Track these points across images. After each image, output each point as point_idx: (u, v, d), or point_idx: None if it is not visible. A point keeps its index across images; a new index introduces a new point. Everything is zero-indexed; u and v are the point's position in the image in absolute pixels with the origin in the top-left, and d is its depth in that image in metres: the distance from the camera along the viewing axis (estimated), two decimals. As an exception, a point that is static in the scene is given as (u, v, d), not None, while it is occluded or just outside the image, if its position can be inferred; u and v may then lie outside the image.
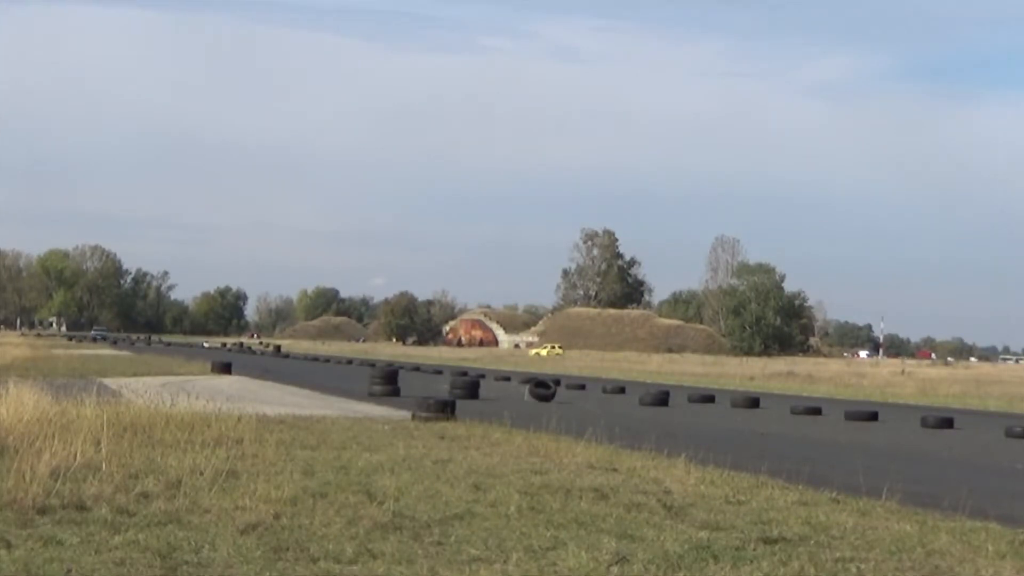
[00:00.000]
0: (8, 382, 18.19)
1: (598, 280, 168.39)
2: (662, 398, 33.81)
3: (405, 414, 22.08)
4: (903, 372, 74.81)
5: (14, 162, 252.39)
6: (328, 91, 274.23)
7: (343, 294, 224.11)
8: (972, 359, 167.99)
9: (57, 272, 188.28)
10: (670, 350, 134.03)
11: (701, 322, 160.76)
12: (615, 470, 13.91)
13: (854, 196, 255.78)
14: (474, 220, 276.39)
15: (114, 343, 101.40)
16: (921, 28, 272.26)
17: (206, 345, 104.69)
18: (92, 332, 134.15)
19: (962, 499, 11.80)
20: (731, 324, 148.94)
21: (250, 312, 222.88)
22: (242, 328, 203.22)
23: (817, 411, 31.48)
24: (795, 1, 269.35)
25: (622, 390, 41.35)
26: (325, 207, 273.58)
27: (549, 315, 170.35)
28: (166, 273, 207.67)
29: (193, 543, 8.65)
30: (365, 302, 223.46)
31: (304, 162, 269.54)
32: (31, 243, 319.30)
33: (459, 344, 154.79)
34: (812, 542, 9.59)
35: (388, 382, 32.21)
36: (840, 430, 25.75)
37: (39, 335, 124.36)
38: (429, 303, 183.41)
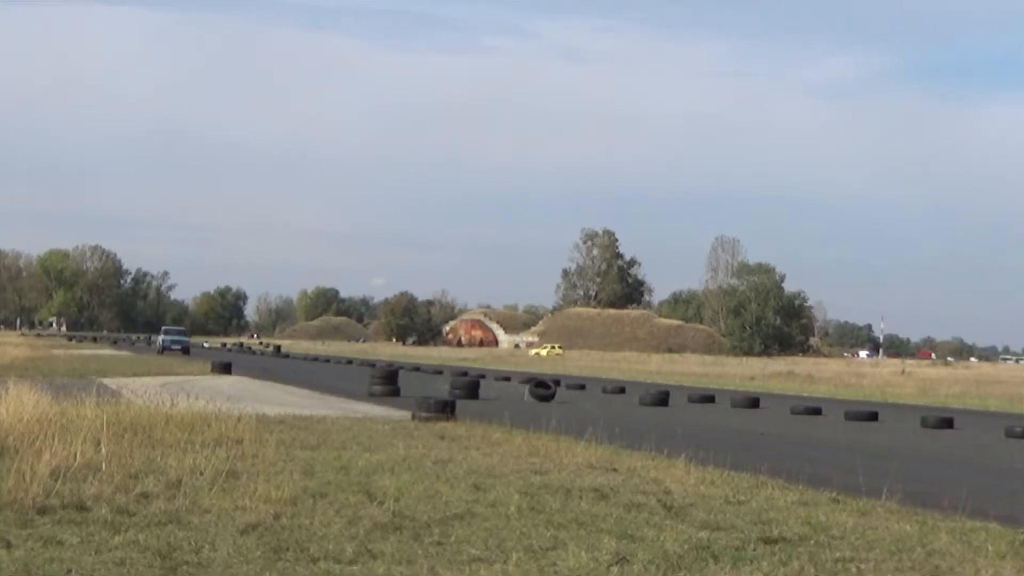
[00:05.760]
0: (8, 382, 18.19)
1: (598, 280, 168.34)
2: (662, 398, 33.80)
3: (405, 414, 22.08)
4: (903, 372, 74.82)
5: (14, 162, 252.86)
6: (329, 91, 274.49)
7: (343, 294, 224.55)
8: (972, 359, 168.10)
9: (57, 272, 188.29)
10: (670, 350, 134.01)
11: (701, 322, 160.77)
12: (615, 470, 13.91)
13: (854, 196, 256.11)
14: (474, 220, 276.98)
15: (114, 343, 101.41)
16: (922, 28, 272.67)
17: (206, 345, 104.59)
18: (163, 338, 78.44)
19: (962, 499, 11.79)
20: (731, 324, 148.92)
21: (250, 312, 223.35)
22: (242, 328, 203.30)
23: (817, 411, 31.48)
24: (796, 1, 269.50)
25: (622, 390, 41.34)
26: (325, 207, 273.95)
27: (549, 315, 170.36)
28: (166, 273, 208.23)
29: (193, 543, 8.64)
30: (365, 302, 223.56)
31: (304, 162, 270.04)
32: (31, 243, 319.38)
33: (459, 344, 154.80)
34: (812, 542, 9.59)
35: (388, 382, 32.20)
36: (840, 430, 25.74)
37: (39, 335, 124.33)
38: (429, 303, 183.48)
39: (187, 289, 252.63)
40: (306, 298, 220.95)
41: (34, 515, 9.48)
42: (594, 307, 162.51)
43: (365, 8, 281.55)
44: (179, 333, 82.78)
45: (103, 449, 12.53)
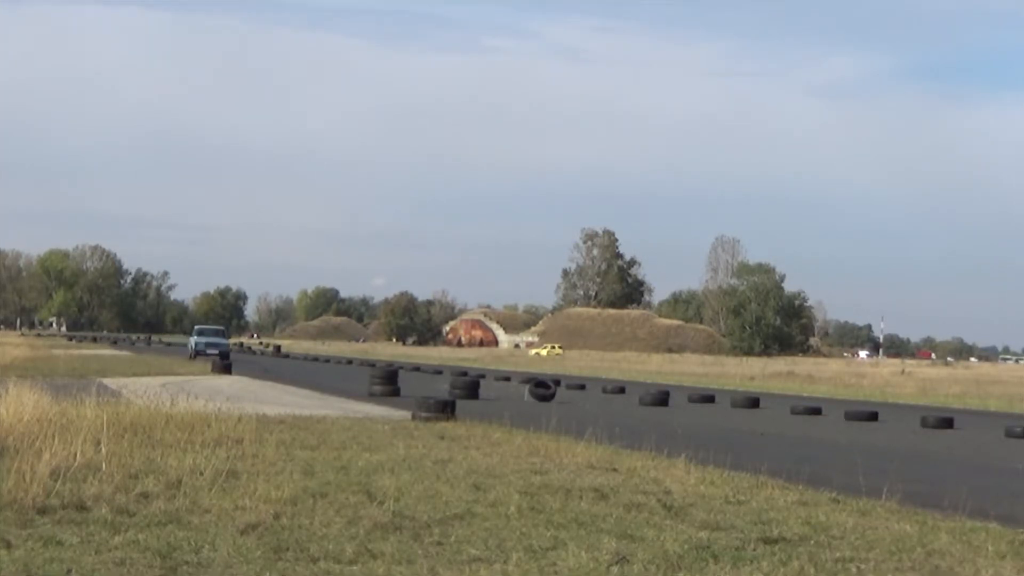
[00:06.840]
0: (8, 382, 18.19)
1: (598, 280, 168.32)
2: (662, 398, 33.80)
3: (405, 414, 22.07)
4: (903, 372, 74.82)
5: (15, 162, 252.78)
6: (329, 91, 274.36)
7: (343, 294, 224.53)
8: (972, 359, 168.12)
9: (57, 272, 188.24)
10: (670, 350, 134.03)
11: (701, 322, 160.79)
12: (615, 470, 13.91)
13: (854, 196, 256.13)
14: (474, 220, 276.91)
15: (114, 343, 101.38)
16: (922, 28, 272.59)
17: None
18: (196, 340, 61.97)
19: (962, 499, 11.79)
20: (731, 324, 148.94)
21: (250, 312, 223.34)
22: (242, 328, 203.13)
23: (817, 411, 31.48)
24: (795, 1, 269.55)
25: (622, 390, 41.34)
26: (325, 207, 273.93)
27: (549, 315, 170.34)
28: (166, 273, 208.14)
29: (193, 543, 8.65)
30: (365, 302, 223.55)
31: (304, 162, 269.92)
32: (31, 243, 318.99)
33: (459, 344, 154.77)
34: (812, 542, 9.59)
35: (388, 382, 32.19)
36: (840, 430, 25.74)
37: (39, 335, 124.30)
38: (429, 303, 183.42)
39: (187, 289, 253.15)
40: (306, 298, 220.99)
41: (34, 515, 9.48)
42: (594, 307, 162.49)
43: (365, 8, 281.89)
44: (216, 334, 65.31)
45: (103, 449, 12.53)
